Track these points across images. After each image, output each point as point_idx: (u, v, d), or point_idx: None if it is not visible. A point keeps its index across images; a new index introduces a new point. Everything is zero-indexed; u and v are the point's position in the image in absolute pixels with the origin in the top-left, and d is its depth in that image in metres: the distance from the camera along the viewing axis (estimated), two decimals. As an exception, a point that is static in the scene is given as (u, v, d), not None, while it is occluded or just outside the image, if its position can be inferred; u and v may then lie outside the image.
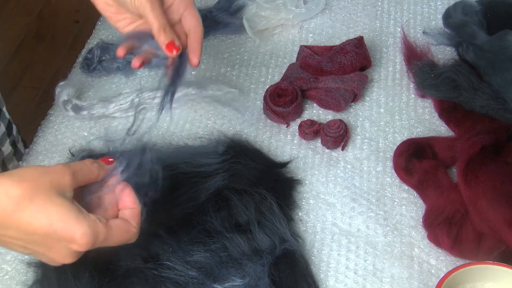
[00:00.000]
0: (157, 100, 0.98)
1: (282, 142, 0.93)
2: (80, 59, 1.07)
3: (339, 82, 0.95)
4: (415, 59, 0.98)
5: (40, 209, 0.54)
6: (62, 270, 0.73)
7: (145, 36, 0.78)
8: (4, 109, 0.97)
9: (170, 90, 0.78)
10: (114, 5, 0.78)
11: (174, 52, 0.75)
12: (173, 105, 0.98)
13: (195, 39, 0.77)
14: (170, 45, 0.74)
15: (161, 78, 0.79)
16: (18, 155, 0.99)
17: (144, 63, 0.81)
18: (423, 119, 0.95)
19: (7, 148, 0.95)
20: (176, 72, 0.78)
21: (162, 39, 0.74)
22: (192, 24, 0.78)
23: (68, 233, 0.55)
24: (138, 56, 0.81)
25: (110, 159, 0.65)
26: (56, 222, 0.54)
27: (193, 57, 0.78)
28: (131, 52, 0.82)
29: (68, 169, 0.58)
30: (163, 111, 0.77)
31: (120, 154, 0.66)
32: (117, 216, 0.62)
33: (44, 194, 0.55)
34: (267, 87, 0.96)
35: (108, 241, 0.58)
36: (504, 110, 0.88)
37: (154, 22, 0.74)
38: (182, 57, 0.77)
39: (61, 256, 0.57)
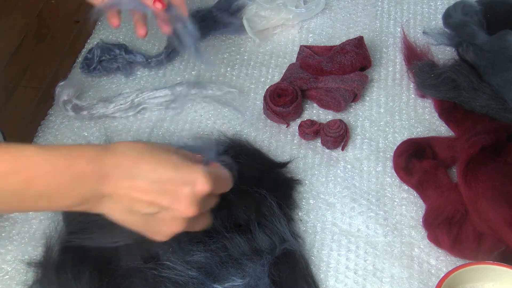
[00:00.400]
0: (157, 100, 0.98)
1: (282, 142, 0.93)
2: (80, 59, 1.07)
3: (339, 82, 0.95)
4: (415, 59, 0.98)
5: (163, 158, 0.60)
6: (62, 270, 0.73)
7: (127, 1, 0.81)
8: None
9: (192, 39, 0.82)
10: None
11: (160, 6, 0.78)
12: (174, 105, 0.98)
13: None
14: (156, 1, 0.78)
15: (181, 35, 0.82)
16: None
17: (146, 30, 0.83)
18: (423, 119, 0.95)
19: None
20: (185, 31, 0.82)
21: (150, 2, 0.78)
22: None
23: (192, 174, 0.59)
24: (140, 24, 0.82)
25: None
26: (179, 166, 0.59)
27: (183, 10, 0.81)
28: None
29: (172, 147, 0.64)
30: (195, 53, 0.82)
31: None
32: None
33: (162, 151, 0.61)
34: (267, 87, 0.96)
35: (218, 184, 0.63)
36: (504, 110, 0.88)
37: None
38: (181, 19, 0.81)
39: (186, 205, 0.59)
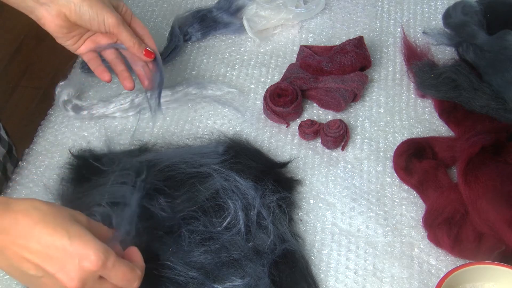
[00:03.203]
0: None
1: (282, 142, 0.93)
2: (80, 59, 1.06)
3: (339, 82, 0.95)
4: (415, 59, 0.98)
5: (61, 226, 0.59)
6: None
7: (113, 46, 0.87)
8: None
9: (157, 91, 0.89)
10: (66, 26, 0.80)
11: (152, 56, 0.86)
12: (174, 105, 0.98)
13: (150, 40, 0.88)
14: (147, 53, 0.86)
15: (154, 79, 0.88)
16: (2, 142, 0.98)
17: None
18: (423, 119, 0.95)
19: None
20: (157, 73, 0.88)
21: (138, 50, 0.85)
22: (141, 29, 0.88)
23: (84, 248, 0.58)
24: (124, 75, 0.88)
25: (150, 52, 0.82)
26: (74, 237, 0.58)
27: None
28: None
29: (84, 215, 0.64)
30: (154, 113, 0.88)
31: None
32: None
33: (65, 217, 0.60)
34: (267, 87, 0.96)
35: (115, 271, 0.60)
36: (504, 110, 0.88)
37: (128, 40, 0.83)
38: (156, 60, 0.88)
39: (70, 278, 0.58)
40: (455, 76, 0.91)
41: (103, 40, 0.86)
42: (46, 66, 2.24)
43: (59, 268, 0.58)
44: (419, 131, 0.93)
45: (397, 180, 0.87)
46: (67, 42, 0.83)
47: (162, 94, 0.98)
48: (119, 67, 0.89)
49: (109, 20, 0.80)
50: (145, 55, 0.85)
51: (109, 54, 0.88)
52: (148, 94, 0.89)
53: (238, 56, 1.07)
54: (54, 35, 0.81)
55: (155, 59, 0.87)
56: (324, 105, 0.97)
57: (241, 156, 0.86)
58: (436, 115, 0.95)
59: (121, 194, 0.75)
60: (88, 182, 0.81)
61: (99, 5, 0.79)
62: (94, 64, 0.88)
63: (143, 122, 0.97)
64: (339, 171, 0.89)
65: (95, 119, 0.97)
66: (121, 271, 0.61)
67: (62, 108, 0.97)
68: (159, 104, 0.88)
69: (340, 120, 0.91)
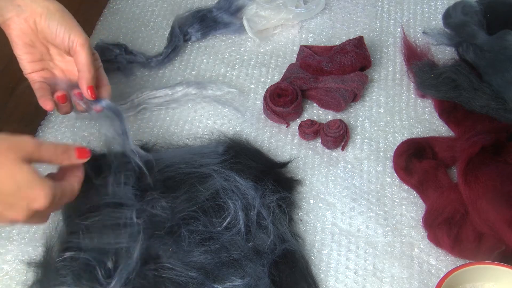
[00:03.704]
0: (157, 100, 0.98)
1: (282, 142, 0.93)
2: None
3: (339, 82, 0.95)
4: (415, 59, 0.98)
5: (8, 174, 0.60)
6: (62, 270, 0.73)
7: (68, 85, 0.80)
8: None
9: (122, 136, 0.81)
10: (30, 34, 0.76)
11: (90, 95, 0.77)
12: (174, 105, 0.98)
13: (106, 92, 0.81)
14: (91, 89, 0.77)
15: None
16: None
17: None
18: (423, 119, 0.95)
19: None
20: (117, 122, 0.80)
21: (86, 80, 0.77)
22: (104, 81, 0.81)
23: (33, 194, 0.61)
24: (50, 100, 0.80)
25: (82, 152, 0.69)
26: (22, 185, 0.61)
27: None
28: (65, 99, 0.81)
29: (38, 147, 0.63)
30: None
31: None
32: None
33: (13, 162, 0.61)
34: (267, 87, 0.96)
35: (61, 202, 0.66)
36: (504, 110, 0.88)
37: (86, 65, 0.76)
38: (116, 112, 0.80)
39: (17, 214, 0.62)
40: (455, 76, 0.91)
41: (61, 81, 0.81)
42: (46, 66, 2.24)
43: (7, 207, 0.62)
44: (419, 131, 0.93)
45: (397, 180, 0.87)
46: (24, 56, 0.78)
47: (162, 94, 0.98)
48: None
49: (76, 37, 0.75)
50: (87, 89, 0.77)
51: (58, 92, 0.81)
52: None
53: (238, 56, 1.07)
54: (14, 42, 0.77)
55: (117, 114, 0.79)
56: (324, 105, 0.97)
57: (241, 156, 0.86)
58: (436, 115, 0.95)
59: (120, 195, 0.75)
60: (88, 182, 0.81)
61: (71, 22, 0.75)
62: (41, 93, 0.81)
63: (143, 122, 0.97)
64: (339, 171, 0.89)
65: (95, 119, 0.97)
66: (66, 195, 0.66)
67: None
68: (127, 138, 0.80)
69: (340, 120, 0.91)
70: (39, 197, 0.61)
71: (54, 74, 0.81)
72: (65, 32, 0.75)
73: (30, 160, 0.62)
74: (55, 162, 0.66)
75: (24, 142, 0.63)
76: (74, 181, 0.68)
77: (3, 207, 0.61)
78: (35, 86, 0.80)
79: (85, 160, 0.69)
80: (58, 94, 0.79)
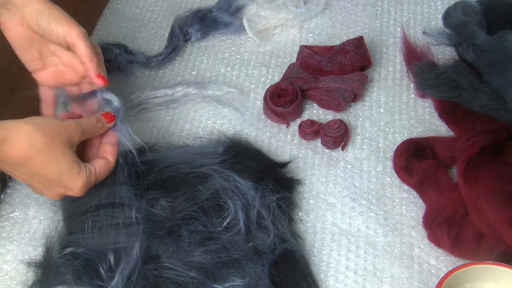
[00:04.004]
0: (157, 100, 0.98)
1: (282, 142, 0.93)
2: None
3: (339, 82, 0.95)
4: (415, 59, 0.98)
5: (54, 160, 0.67)
6: (62, 270, 0.73)
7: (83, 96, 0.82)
8: None
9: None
10: (26, 36, 0.76)
11: (105, 83, 0.78)
12: (174, 105, 0.98)
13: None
14: (100, 77, 0.78)
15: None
16: None
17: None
18: (423, 119, 0.95)
19: None
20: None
21: (93, 69, 0.77)
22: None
23: (70, 183, 0.69)
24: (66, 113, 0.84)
25: (109, 117, 0.76)
26: (63, 173, 0.68)
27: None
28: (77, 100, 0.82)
29: (79, 128, 0.70)
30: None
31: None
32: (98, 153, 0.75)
33: (60, 148, 0.67)
34: (267, 87, 0.96)
35: (97, 181, 0.73)
36: (504, 110, 0.88)
37: (87, 54, 0.76)
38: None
39: (53, 195, 0.71)
40: (455, 76, 0.91)
41: (69, 77, 0.81)
42: (46, 66, 2.24)
43: (46, 188, 0.70)
44: (419, 131, 0.93)
45: (397, 180, 0.87)
46: (25, 57, 0.79)
47: (162, 94, 0.98)
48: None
49: (70, 30, 0.74)
50: (97, 77, 0.77)
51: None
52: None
53: (238, 56, 1.07)
54: (12, 44, 0.77)
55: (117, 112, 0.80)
56: (324, 105, 0.97)
57: (241, 156, 0.86)
58: (436, 115, 0.95)
59: (120, 195, 0.75)
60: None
61: (63, 16, 0.75)
62: (45, 105, 0.83)
63: (143, 122, 0.97)
64: (339, 171, 0.89)
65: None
66: (100, 178, 0.73)
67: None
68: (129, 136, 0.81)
69: (340, 120, 0.91)
70: (75, 187, 0.69)
71: (60, 71, 0.81)
72: (57, 28, 0.75)
73: (75, 142, 0.70)
74: (95, 133, 0.74)
75: (68, 124, 0.69)
76: (109, 155, 0.75)
77: (43, 187, 0.70)
78: (41, 93, 0.85)
79: (114, 122, 0.77)
80: (63, 114, 0.83)
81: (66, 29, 0.74)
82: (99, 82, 0.78)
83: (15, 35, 0.76)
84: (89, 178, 0.70)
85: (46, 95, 0.83)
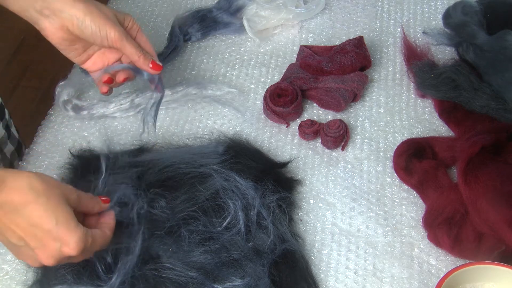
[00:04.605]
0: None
1: (282, 142, 0.93)
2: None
3: (339, 82, 0.95)
4: (415, 59, 0.98)
5: (52, 209, 0.62)
6: (62, 270, 0.73)
7: (122, 67, 0.84)
8: None
9: (155, 108, 0.86)
10: (69, 38, 0.79)
11: (160, 69, 0.83)
12: (174, 105, 0.99)
13: (154, 57, 0.85)
14: (154, 65, 0.82)
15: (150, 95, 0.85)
16: (12, 139, 0.99)
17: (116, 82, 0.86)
18: (423, 119, 0.95)
19: (0, 132, 0.96)
20: (159, 86, 0.86)
21: (144, 63, 0.82)
22: (146, 45, 0.85)
23: (67, 236, 0.63)
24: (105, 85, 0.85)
25: (106, 200, 0.72)
26: (61, 223, 0.62)
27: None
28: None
29: (76, 191, 0.67)
30: (148, 130, 0.86)
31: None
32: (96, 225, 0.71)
33: (58, 199, 0.63)
34: (267, 87, 0.96)
35: (91, 249, 0.67)
36: (504, 110, 0.88)
37: (133, 53, 0.81)
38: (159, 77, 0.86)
39: (47, 256, 0.64)
40: (455, 76, 0.91)
41: (111, 56, 0.84)
42: (46, 66, 2.23)
43: (40, 245, 0.63)
44: (419, 131, 0.93)
45: (397, 180, 0.87)
46: (70, 54, 0.83)
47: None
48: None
49: (111, 34, 0.78)
50: (152, 68, 0.82)
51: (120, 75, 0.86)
52: (147, 109, 0.86)
53: (238, 56, 1.07)
54: (56, 46, 0.81)
55: (159, 79, 0.85)
56: (324, 105, 0.97)
57: (241, 156, 0.86)
58: (436, 115, 0.95)
59: (119, 194, 0.75)
60: (88, 183, 0.81)
61: (102, 20, 0.78)
62: (102, 89, 0.86)
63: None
64: (339, 171, 0.89)
65: (95, 119, 0.97)
66: (99, 243, 0.67)
67: (62, 108, 0.97)
68: (154, 122, 0.87)
69: (340, 120, 0.91)
70: (72, 241, 0.63)
71: (103, 53, 0.84)
72: (101, 32, 0.78)
73: (72, 201, 0.65)
74: (90, 208, 0.69)
75: (69, 187, 0.67)
76: (106, 228, 0.70)
77: (37, 244, 0.63)
78: (94, 78, 0.85)
79: (108, 204, 0.72)
80: (104, 78, 0.83)
81: (109, 33, 0.78)
82: (154, 72, 0.83)
83: (58, 38, 0.79)
84: (85, 237, 0.64)
85: (97, 78, 0.85)
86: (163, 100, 0.97)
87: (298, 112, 0.96)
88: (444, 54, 1.04)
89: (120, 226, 0.74)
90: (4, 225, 0.63)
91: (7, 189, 0.62)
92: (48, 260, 0.64)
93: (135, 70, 0.84)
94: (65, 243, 0.63)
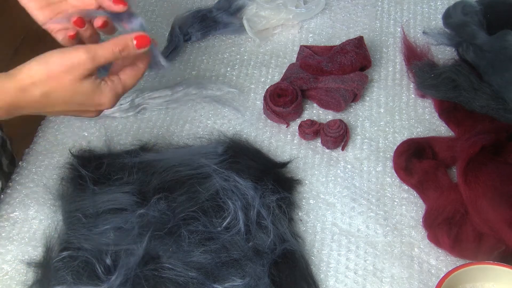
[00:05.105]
0: (157, 100, 0.98)
1: (282, 142, 0.93)
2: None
3: (339, 82, 0.95)
4: (415, 59, 0.98)
5: (72, 92, 0.67)
6: (62, 270, 0.73)
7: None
8: None
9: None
10: None
11: (121, 7, 0.75)
12: (174, 105, 0.98)
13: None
14: (116, 1, 0.74)
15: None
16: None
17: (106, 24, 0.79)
18: (423, 119, 0.95)
19: None
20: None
21: None
22: None
23: (99, 101, 0.69)
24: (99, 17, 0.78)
25: (146, 40, 0.69)
26: (88, 96, 0.68)
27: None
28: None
29: (92, 62, 0.66)
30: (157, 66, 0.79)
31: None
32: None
33: (70, 82, 0.66)
34: (267, 87, 0.96)
35: (126, 91, 0.72)
36: (504, 110, 0.88)
37: None
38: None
39: (91, 114, 0.72)
40: (455, 76, 0.91)
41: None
42: (46, 66, 2.24)
43: (82, 112, 0.71)
44: (419, 131, 0.93)
45: (397, 180, 0.87)
46: (30, 4, 0.75)
47: (162, 94, 0.98)
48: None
49: None
50: (115, 3, 0.74)
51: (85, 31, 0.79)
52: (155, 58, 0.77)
53: (238, 56, 1.07)
54: (26, 7, 0.75)
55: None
56: (324, 105, 0.97)
57: (241, 156, 0.86)
58: (436, 115, 0.95)
59: (122, 202, 0.76)
60: (88, 184, 0.81)
61: None
62: (63, 34, 0.76)
63: (143, 122, 0.97)
64: (339, 171, 0.89)
65: (95, 119, 0.97)
66: (128, 87, 0.71)
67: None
68: (161, 57, 0.77)
69: (340, 120, 0.91)
70: (104, 102, 0.69)
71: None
72: None
73: (89, 74, 0.67)
74: (117, 59, 0.70)
75: (78, 59, 0.66)
76: (140, 62, 0.71)
77: (79, 111, 0.71)
78: (59, 39, 0.77)
79: (146, 48, 0.69)
80: (98, 22, 0.77)
81: None
82: (119, 8, 0.75)
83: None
84: (115, 90, 0.70)
85: (61, 21, 0.76)
86: (163, 100, 0.98)
87: (298, 112, 0.96)
88: (444, 54, 1.04)
89: (120, 229, 0.74)
90: (45, 112, 0.74)
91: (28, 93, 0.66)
92: (92, 115, 0.72)
93: (113, 17, 0.77)
94: (99, 105, 0.70)
